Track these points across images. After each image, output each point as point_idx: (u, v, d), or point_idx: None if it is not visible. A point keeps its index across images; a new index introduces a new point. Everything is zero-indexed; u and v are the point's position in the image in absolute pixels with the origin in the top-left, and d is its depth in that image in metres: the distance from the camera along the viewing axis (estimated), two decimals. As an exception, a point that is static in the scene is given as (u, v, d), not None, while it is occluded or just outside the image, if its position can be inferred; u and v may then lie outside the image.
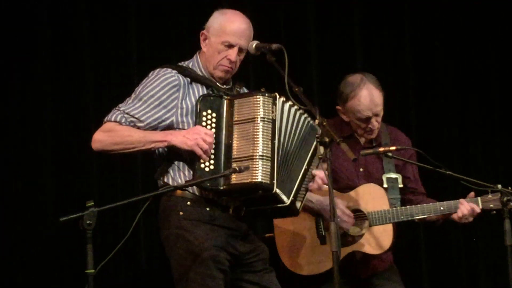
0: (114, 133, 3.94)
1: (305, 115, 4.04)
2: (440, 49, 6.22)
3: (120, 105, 3.98)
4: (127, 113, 3.94)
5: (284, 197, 3.94)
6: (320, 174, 4.06)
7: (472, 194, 4.49)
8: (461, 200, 4.48)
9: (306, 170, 4.04)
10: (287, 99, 3.99)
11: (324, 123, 3.82)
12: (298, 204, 4.06)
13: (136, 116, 3.94)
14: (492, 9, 6.26)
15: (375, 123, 4.59)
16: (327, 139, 3.76)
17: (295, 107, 4.02)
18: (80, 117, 5.18)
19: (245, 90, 4.26)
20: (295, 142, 4.04)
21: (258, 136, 3.89)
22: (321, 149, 3.99)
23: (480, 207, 4.46)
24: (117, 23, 5.40)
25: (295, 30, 5.81)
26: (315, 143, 4.00)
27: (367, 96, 4.54)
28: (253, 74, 5.36)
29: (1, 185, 5.04)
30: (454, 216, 4.49)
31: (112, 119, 3.96)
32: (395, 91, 4.69)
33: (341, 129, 4.66)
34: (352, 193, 4.59)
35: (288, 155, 4.00)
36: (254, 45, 4.06)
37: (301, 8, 5.89)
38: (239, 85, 4.22)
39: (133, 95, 4.00)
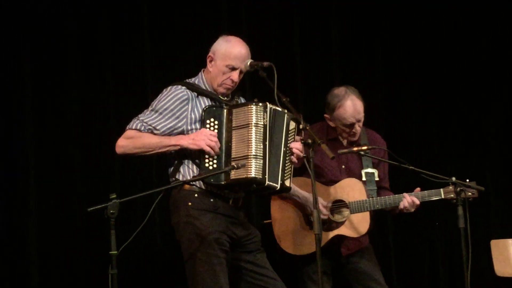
0: (135, 139, 3.98)
1: (271, 105, 4.00)
2: (404, 63, 6.25)
3: (139, 115, 4.03)
4: (146, 122, 3.98)
5: (274, 184, 3.96)
6: (295, 146, 4.05)
7: (418, 189, 4.53)
8: (404, 194, 4.52)
9: (285, 152, 4.02)
10: (274, 104, 4.00)
11: (307, 128, 3.87)
12: (288, 182, 4.06)
13: (153, 125, 3.97)
14: (447, 26, 6.33)
15: (358, 128, 4.61)
16: (310, 141, 3.80)
17: (273, 106, 4.00)
18: (104, 124, 5.19)
19: (243, 100, 4.27)
20: (273, 133, 4.00)
21: (251, 139, 3.91)
22: (292, 124, 4.03)
23: (443, 197, 4.47)
24: (134, 46, 5.40)
25: (283, 50, 5.80)
26: (284, 122, 4.02)
27: (351, 106, 4.54)
28: (248, 87, 5.37)
29: (40, 181, 5.05)
30: (399, 206, 4.51)
31: (133, 127, 3.99)
32: (366, 99, 4.69)
33: (327, 133, 4.68)
34: (335, 186, 4.60)
35: (274, 150, 3.99)
36: (248, 63, 4.08)
37: (288, 32, 5.90)
38: (238, 95, 4.24)
39: (150, 108, 4.04)
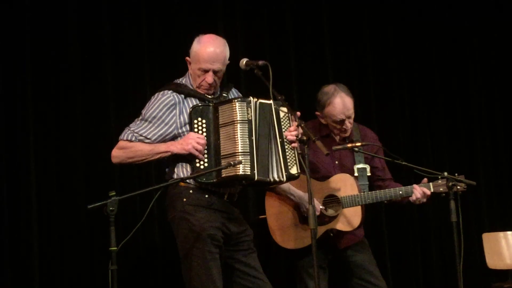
0: (128, 150, 3.98)
1: (256, 99, 3.95)
2: (394, 63, 6.27)
3: (130, 125, 4.02)
4: (136, 133, 3.98)
5: (264, 179, 3.91)
6: (289, 133, 3.98)
7: (425, 180, 4.50)
8: (414, 185, 4.49)
9: (282, 142, 3.98)
10: (261, 97, 3.95)
11: (302, 125, 3.83)
12: (294, 170, 4.00)
13: (144, 134, 3.97)
14: (435, 31, 6.37)
15: (348, 124, 4.59)
16: (305, 138, 3.77)
17: (259, 100, 3.96)
18: (104, 122, 5.18)
19: (235, 91, 4.24)
20: (260, 127, 3.96)
21: (237, 136, 3.88)
22: (282, 112, 3.97)
23: (432, 190, 4.46)
24: (132, 47, 5.40)
25: (277, 49, 5.80)
26: (273, 113, 3.97)
27: (340, 103, 4.53)
28: (244, 86, 5.35)
29: (41, 178, 5.03)
30: (410, 198, 4.51)
31: (124, 138, 3.99)
32: (359, 95, 4.69)
33: (320, 130, 4.65)
34: (328, 181, 4.58)
35: (263, 144, 3.94)
36: (244, 62, 4.05)
37: (282, 32, 5.90)
38: (227, 89, 4.19)
39: (140, 117, 4.03)
